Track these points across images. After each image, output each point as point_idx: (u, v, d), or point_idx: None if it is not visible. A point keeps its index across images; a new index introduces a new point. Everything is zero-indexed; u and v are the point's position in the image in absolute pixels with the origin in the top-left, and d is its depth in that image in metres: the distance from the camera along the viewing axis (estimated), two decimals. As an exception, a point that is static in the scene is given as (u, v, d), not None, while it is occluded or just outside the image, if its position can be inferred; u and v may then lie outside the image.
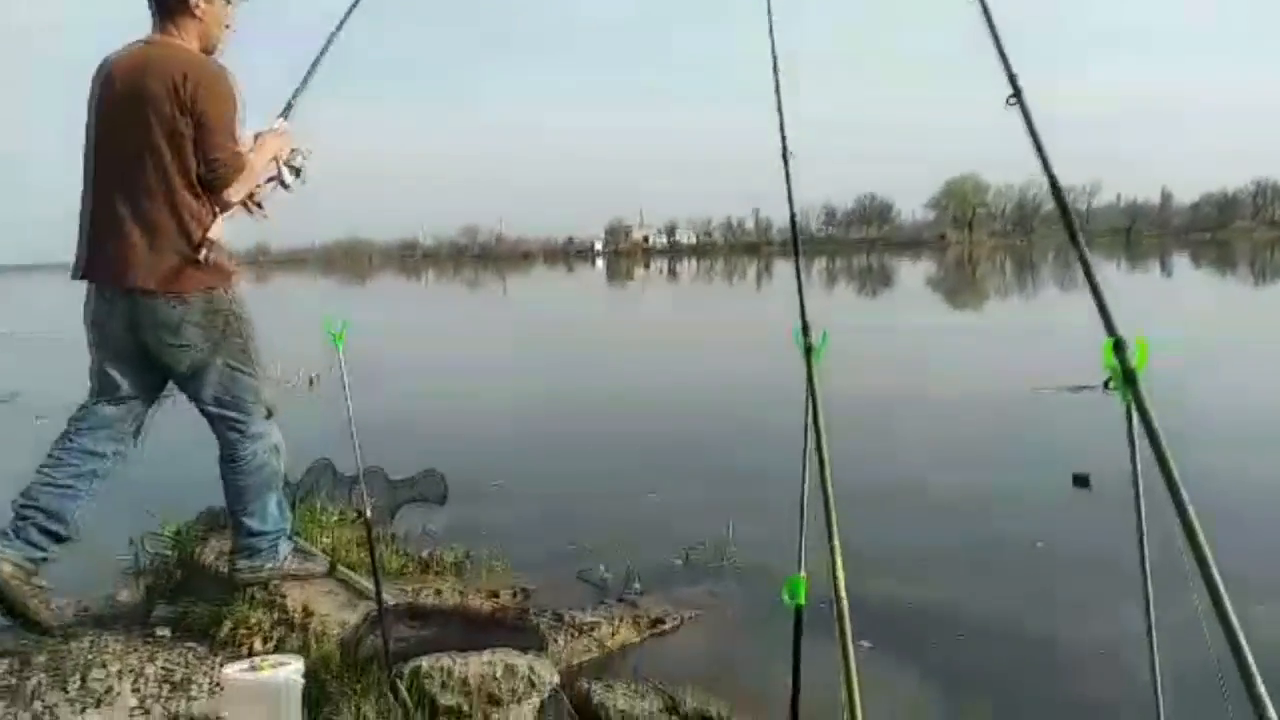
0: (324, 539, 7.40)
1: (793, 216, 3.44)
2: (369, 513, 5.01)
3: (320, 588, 6.21)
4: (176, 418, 15.29)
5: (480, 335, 26.40)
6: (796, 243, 3.24)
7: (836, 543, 2.74)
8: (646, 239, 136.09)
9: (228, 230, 5.20)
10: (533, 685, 4.82)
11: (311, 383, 16.71)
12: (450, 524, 8.68)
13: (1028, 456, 10.93)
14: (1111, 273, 53.53)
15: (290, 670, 4.35)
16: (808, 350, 3.15)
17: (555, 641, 5.67)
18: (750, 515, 8.36)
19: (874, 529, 7.47)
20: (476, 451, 11.43)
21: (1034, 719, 5.24)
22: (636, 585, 6.84)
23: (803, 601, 3.14)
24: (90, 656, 5.42)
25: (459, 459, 10.13)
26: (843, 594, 2.66)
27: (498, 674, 4.74)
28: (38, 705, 4.74)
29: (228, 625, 5.65)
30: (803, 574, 3.13)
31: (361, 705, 4.50)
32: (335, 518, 8.34)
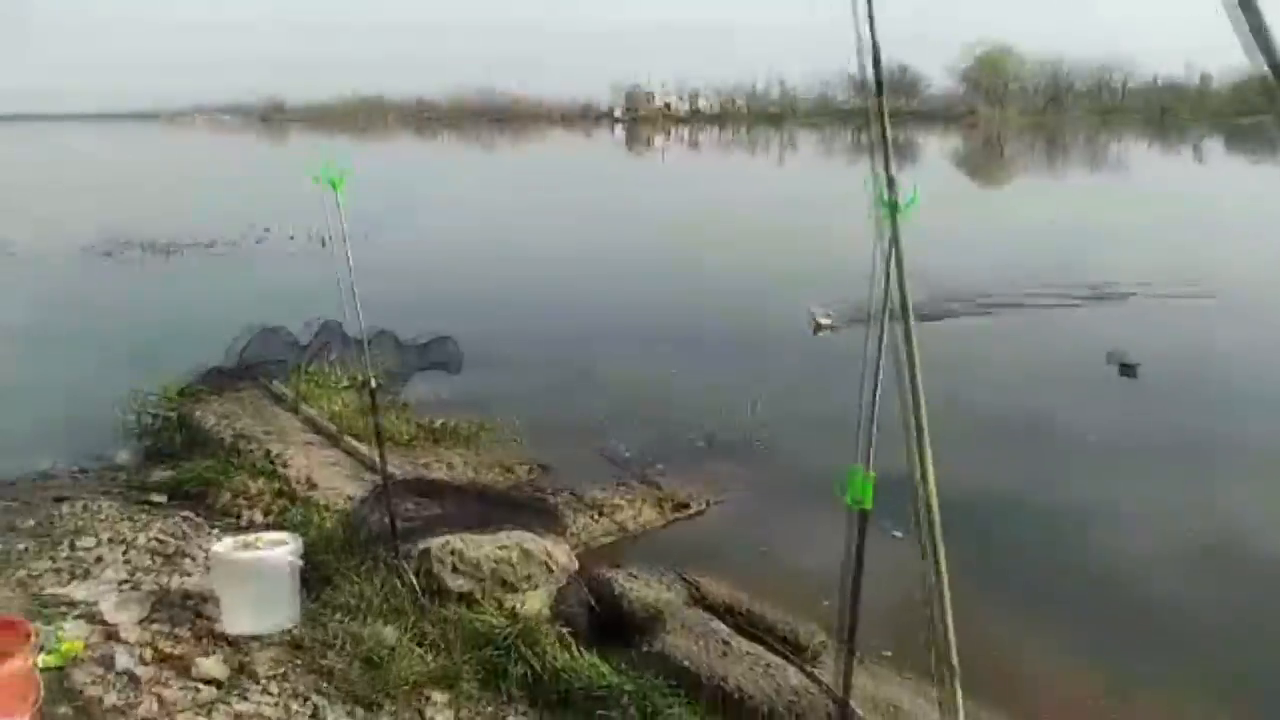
0: (332, 405, 7.04)
1: (876, 55, 2.83)
2: (372, 380, 4.56)
3: (325, 458, 5.86)
4: (173, 274, 14.90)
5: (496, 200, 25.60)
6: (880, 84, 2.66)
7: (923, 439, 2.27)
8: (668, 105, 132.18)
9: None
10: (549, 571, 4.48)
11: (324, 243, 16.14)
12: (463, 393, 8.26)
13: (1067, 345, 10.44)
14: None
15: (286, 550, 4.00)
16: (892, 207, 2.62)
17: (573, 523, 5.33)
18: (780, 397, 7.95)
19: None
20: (492, 319, 10.97)
21: (1075, 604, 4.93)
22: (659, 465, 6.47)
23: (870, 505, 2.69)
24: (81, 523, 5.11)
25: (474, 326, 9.67)
26: (933, 500, 2.21)
27: (512, 558, 4.39)
28: (22, 573, 4.44)
29: (226, 494, 5.33)
30: (870, 471, 2.67)
31: (365, 588, 4.16)
32: (344, 383, 7.97)
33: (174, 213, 19.89)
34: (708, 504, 5.91)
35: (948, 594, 2.15)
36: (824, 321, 9.23)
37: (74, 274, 14.12)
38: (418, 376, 8.65)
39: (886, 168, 2.68)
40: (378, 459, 4.74)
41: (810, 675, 3.71)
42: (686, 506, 5.85)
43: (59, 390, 8.46)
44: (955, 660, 2.20)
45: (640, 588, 4.53)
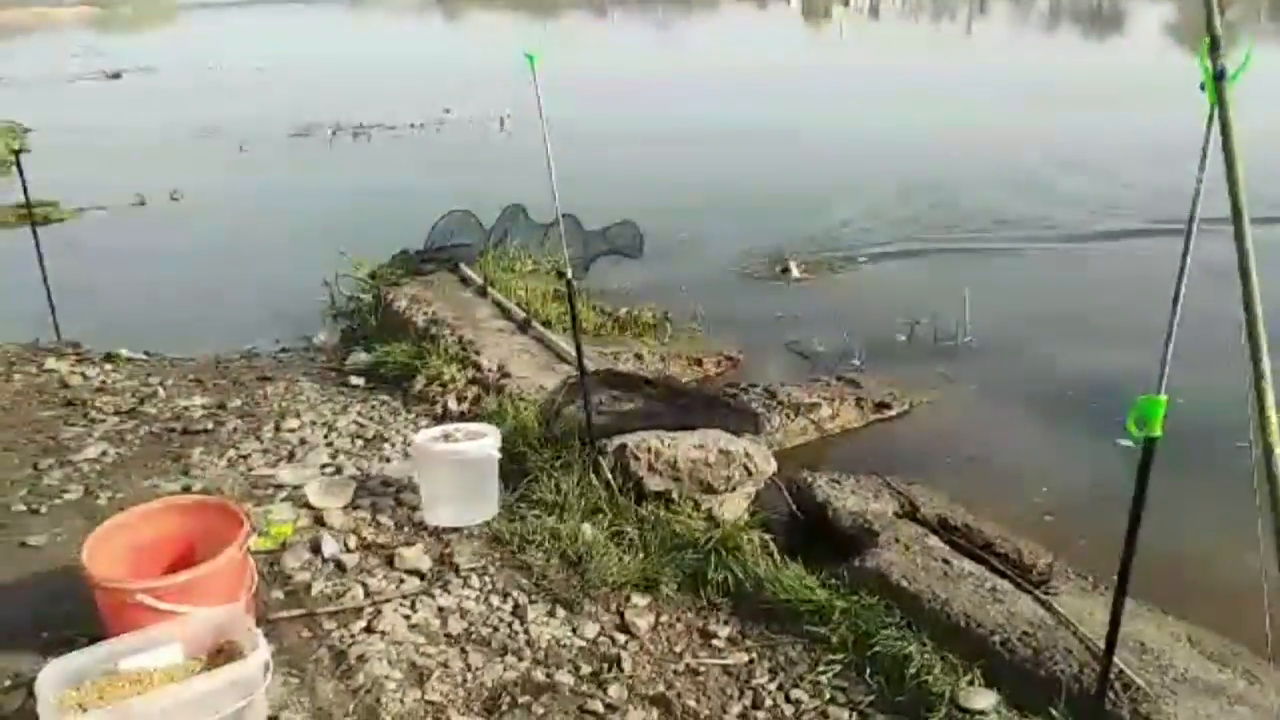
0: (518, 290, 6.96)
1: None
2: (569, 271, 4.35)
3: (515, 345, 5.77)
4: (363, 157, 15.11)
5: (672, 79, 24.86)
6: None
7: (1262, 370, 1.83)
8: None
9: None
10: (749, 473, 4.25)
11: (502, 124, 16.12)
12: (646, 279, 8.06)
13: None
14: None
15: (487, 443, 3.91)
16: (1218, 77, 2.11)
17: (769, 421, 5.05)
18: (992, 290, 7.33)
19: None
20: (673, 202, 10.61)
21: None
22: (856, 361, 6.09)
23: (1159, 432, 2.27)
24: (285, 404, 5.23)
25: (655, 209, 9.39)
26: (1274, 429, 1.78)
27: (710, 459, 4.17)
28: (232, 453, 4.57)
29: (421, 380, 5.32)
30: (1163, 395, 2.24)
31: (562, 483, 4.05)
32: (529, 267, 7.89)
33: (362, 95, 20.25)
34: (910, 405, 5.51)
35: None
36: (797, 274, 8.03)
37: (273, 156, 14.61)
38: (601, 261, 8.51)
39: (1210, 26, 2.16)
40: (572, 350, 4.58)
41: (1047, 605, 3.35)
42: (888, 407, 5.47)
43: (260, 270, 8.78)
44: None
45: (845, 495, 4.24)
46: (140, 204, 11.32)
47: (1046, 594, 3.58)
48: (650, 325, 6.80)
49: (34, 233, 6.84)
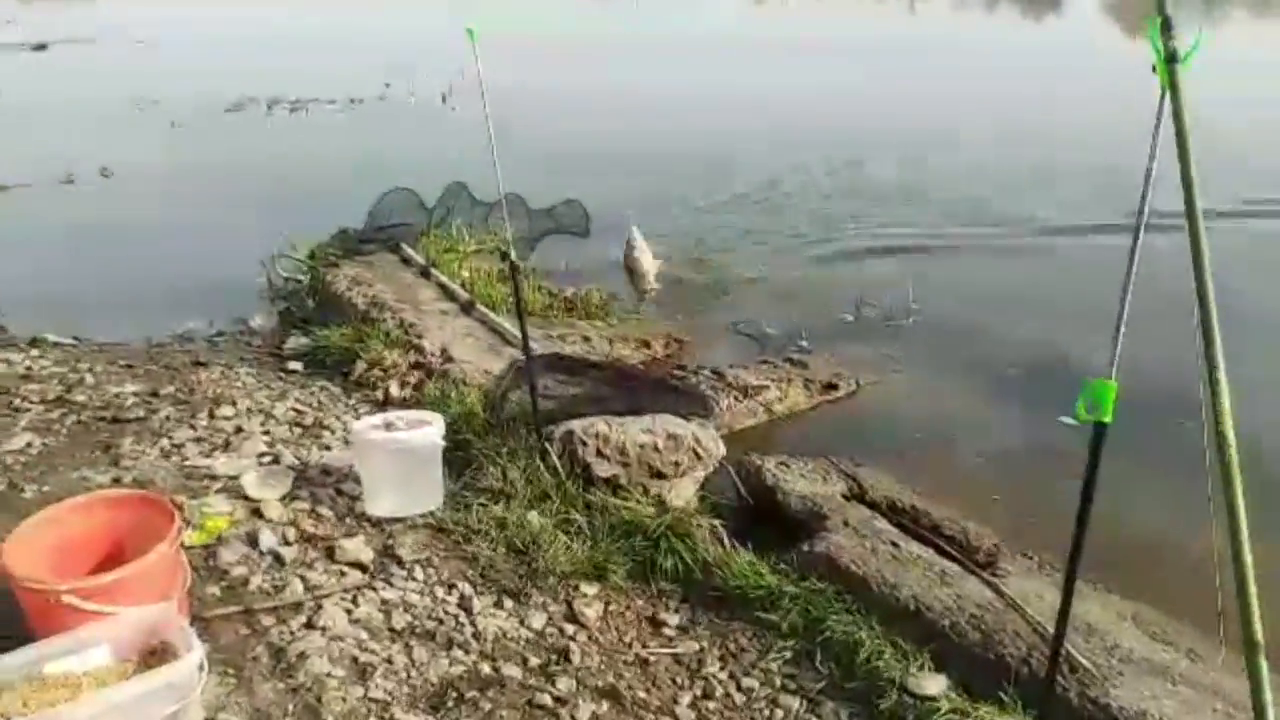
0: (462, 271, 6.83)
1: None
2: (512, 252, 4.25)
3: (459, 328, 5.66)
4: (300, 132, 14.67)
5: (612, 51, 24.62)
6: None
7: (1215, 357, 1.83)
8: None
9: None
10: (698, 457, 4.21)
11: (444, 98, 15.80)
12: (591, 260, 7.94)
13: None
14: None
15: (430, 431, 3.82)
16: (1169, 60, 2.09)
17: (717, 404, 5.01)
18: (935, 266, 7.38)
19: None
20: (615, 179, 10.50)
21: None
22: (803, 342, 6.08)
23: (1109, 418, 2.27)
24: (220, 390, 5.06)
25: (599, 188, 9.25)
26: (1228, 426, 1.78)
27: (659, 444, 4.12)
28: (165, 443, 4.40)
29: (361, 365, 5.19)
30: (1113, 380, 2.24)
31: (508, 470, 3.97)
32: (473, 247, 7.74)
33: (298, 68, 19.71)
34: (858, 386, 5.52)
35: (1248, 551, 1.73)
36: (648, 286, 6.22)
37: (207, 131, 14.16)
38: (547, 240, 8.38)
39: (1160, 5, 2.14)
40: (518, 333, 4.49)
41: (995, 588, 3.36)
42: (835, 388, 5.48)
43: (194, 250, 8.50)
44: (1260, 632, 1.81)
45: (794, 479, 4.23)
46: (68, 181, 10.90)
47: (994, 576, 3.61)
48: (598, 307, 6.72)
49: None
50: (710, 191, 10.16)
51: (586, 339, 5.85)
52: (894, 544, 3.69)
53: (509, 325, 5.70)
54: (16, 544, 2.91)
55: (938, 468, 4.64)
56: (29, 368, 5.42)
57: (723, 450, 4.33)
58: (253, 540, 3.58)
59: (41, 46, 28.01)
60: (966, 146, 12.30)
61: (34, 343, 5.92)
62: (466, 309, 5.95)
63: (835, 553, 3.55)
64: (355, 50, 24.12)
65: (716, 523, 3.87)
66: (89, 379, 5.16)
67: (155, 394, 4.98)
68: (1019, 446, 4.94)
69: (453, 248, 7.46)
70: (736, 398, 5.21)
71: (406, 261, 6.93)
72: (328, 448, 4.41)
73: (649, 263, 5.97)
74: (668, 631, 3.37)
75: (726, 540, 3.77)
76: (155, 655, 2.76)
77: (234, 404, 4.83)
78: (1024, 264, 8.00)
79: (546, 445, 4.05)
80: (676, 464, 4.14)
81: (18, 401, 4.85)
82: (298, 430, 4.60)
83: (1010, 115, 14.76)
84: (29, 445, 4.35)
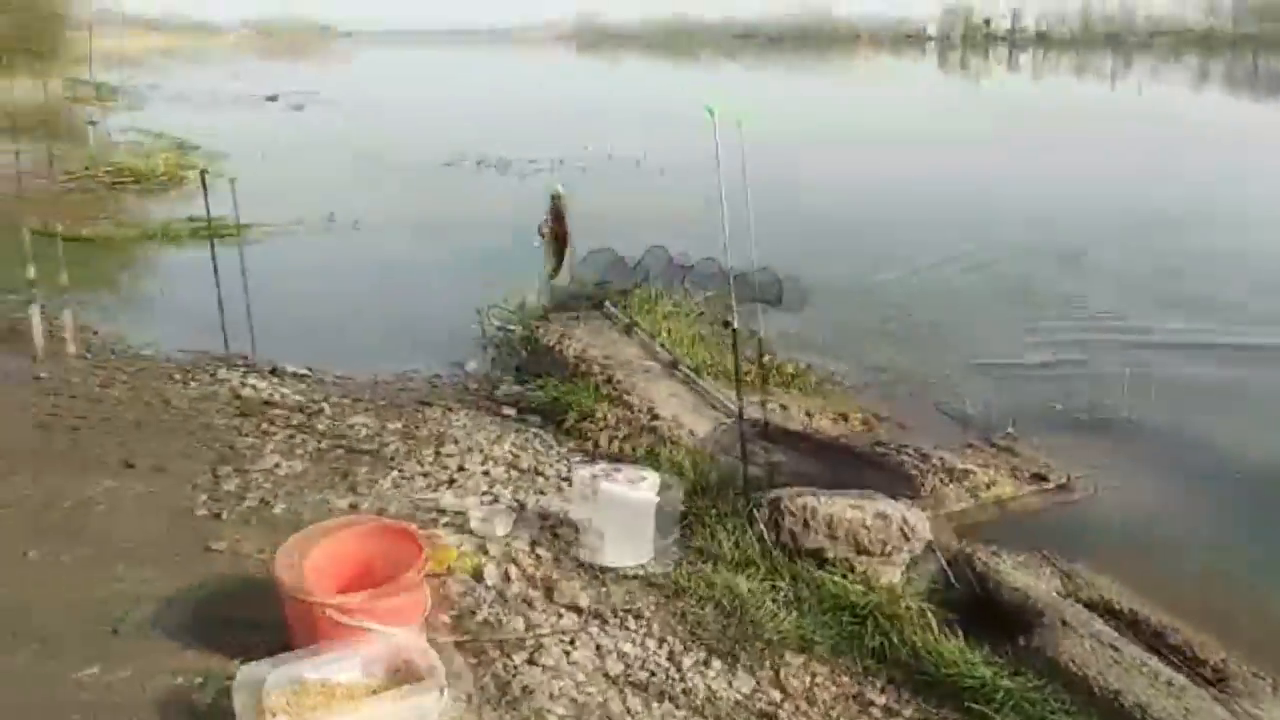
0: (662, 331, 7.04)
1: None
2: (734, 320, 4.39)
3: (663, 387, 5.84)
4: (514, 187, 15.42)
5: (801, 126, 24.85)
6: None
7: None
8: (988, 22, 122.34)
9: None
10: (905, 538, 4.18)
11: (639, 162, 16.41)
12: (784, 328, 8.01)
13: None
14: None
15: (646, 485, 3.96)
16: None
17: (923, 485, 4.96)
18: (1155, 360, 7.06)
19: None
20: (811, 249, 10.58)
21: None
22: (1010, 429, 5.92)
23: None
24: (442, 429, 5.39)
25: (793, 257, 9.35)
26: None
27: (867, 521, 4.13)
28: (395, 474, 4.73)
29: (573, 415, 5.43)
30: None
31: (716, 531, 4.06)
32: (670, 307, 7.97)
33: (506, 129, 20.91)
34: (1069, 478, 5.33)
35: None
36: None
37: (424, 184, 15.19)
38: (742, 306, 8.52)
39: None
40: (720, 396, 4.61)
41: (1229, 706, 3.19)
42: (1044, 479, 5.30)
43: (411, 295, 9.10)
44: None
45: (1006, 569, 4.14)
46: (297, 225, 11.89)
47: (1224, 693, 3.41)
48: (794, 376, 6.77)
49: (211, 249, 7.27)
50: (913, 267, 10.08)
51: (784, 408, 5.90)
52: (1114, 647, 3.56)
53: (710, 387, 5.85)
54: (284, 556, 3.20)
55: (1157, 572, 4.41)
56: (272, 395, 5.94)
57: (930, 533, 4.28)
58: (478, 574, 3.79)
59: (272, 98, 30.78)
60: (1197, 230, 11.75)
61: (274, 371, 6.48)
62: (669, 369, 6.12)
63: (1055, 650, 3.45)
64: (558, 113, 25.36)
65: (926, 606, 3.81)
66: (326, 409, 5.61)
67: (385, 427, 5.36)
68: (1247, 558, 4.65)
69: (652, 308, 7.70)
70: (942, 480, 5.12)
71: (611, 319, 7.20)
72: (542, 492, 4.62)
73: None
74: (875, 711, 3.34)
75: (935, 625, 3.72)
76: (399, 674, 2.96)
77: (456, 443, 5.14)
78: (1256, 366, 7.53)
79: (755, 511, 4.12)
80: (884, 542, 4.13)
81: (265, 425, 5.33)
82: (514, 473, 4.84)
83: (1245, 199, 14.01)
84: (276, 466, 4.76)
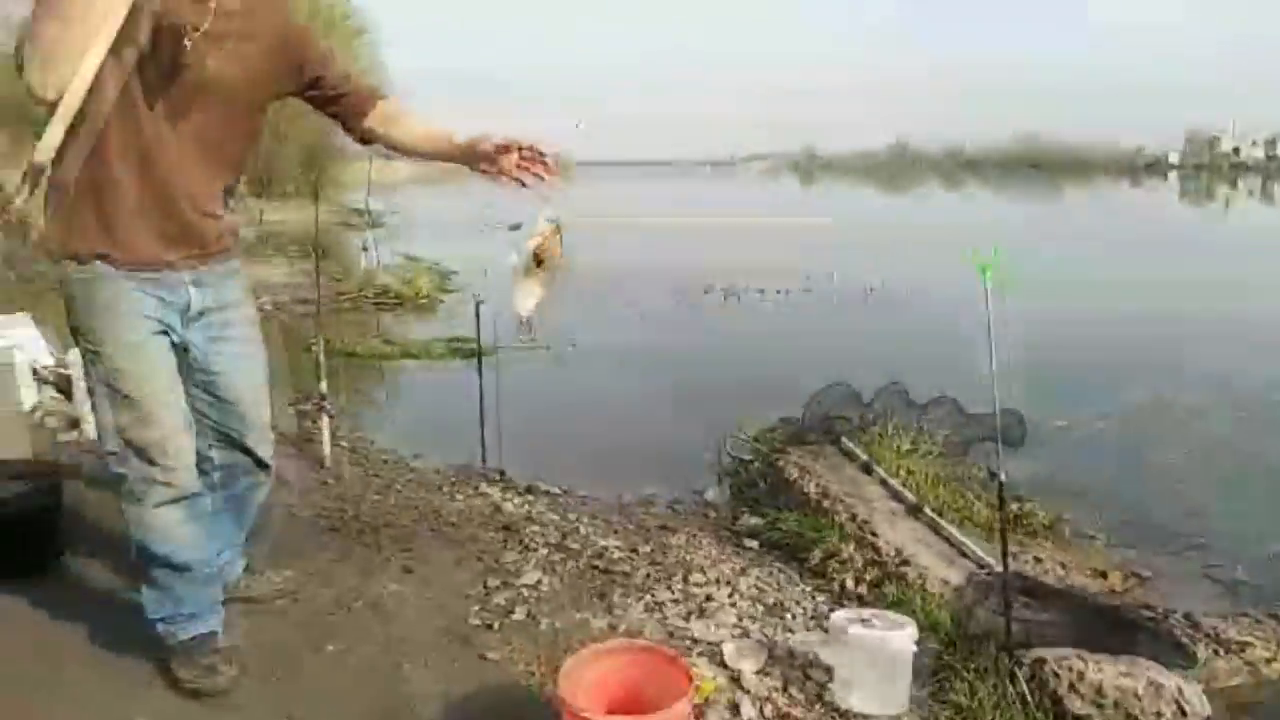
0: (901, 470, 7.01)
1: None
2: (1002, 475, 4.36)
3: (908, 530, 5.80)
4: (741, 316, 15.82)
5: (1041, 255, 24.20)
6: None
7: None
8: (1237, 151, 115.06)
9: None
10: (1182, 713, 3.93)
11: (866, 296, 16.48)
12: (1030, 473, 7.74)
13: None
14: None
15: (905, 634, 3.94)
16: None
17: (1193, 655, 4.64)
18: None
19: None
20: (1056, 391, 10.23)
21: None
22: (1291, 599, 5.47)
23: None
24: (688, 557, 5.57)
25: (1036, 398, 9.07)
26: None
27: (1139, 689, 3.92)
28: (648, 599, 4.92)
29: (818, 554, 5.48)
30: None
31: (976, 687, 3.97)
32: (907, 446, 7.91)
33: (730, 257, 21.59)
34: (1366, 662, 4.84)
35: None
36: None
37: (655, 311, 15.89)
38: (979, 446, 8.35)
39: None
40: (969, 543, 4.54)
41: None
42: (1336, 660, 4.84)
43: (648, 420, 9.50)
44: None
45: (1302, 760, 3.80)
46: (544, 348, 12.68)
47: None
48: (1044, 526, 6.55)
49: (480, 366, 7.94)
50: (1172, 417, 9.54)
51: (1038, 560, 5.71)
52: None
53: (956, 533, 5.75)
54: (567, 674, 3.43)
55: None
56: (529, 512, 6.33)
57: (1208, 709, 4.01)
58: (734, 708, 3.88)
59: (515, 227, 33.05)
60: None
61: (529, 489, 6.91)
62: (913, 511, 6.08)
63: None
64: (778, 242, 25.90)
65: (1210, 792, 3.56)
66: (581, 530, 5.93)
67: (635, 551, 5.60)
68: None
69: (890, 445, 7.68)
70: (1216, 651, 4.78)
71: (848, 455, 7.24)
72: (790, 630, 4.67)
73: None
74: None
75: (1222, 814, 3.46)
76: (669, 801, 3.08)
77: (702, 572, 5.29)
78: None
79: (1016, 670, 4.01)
80: (1158, 715, 3.90)
81: (526, 540, 5.68)
82: (760, 607, 4.92)
83: None
84: (539, 582, 5.06)
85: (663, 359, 12.39)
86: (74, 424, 7.22)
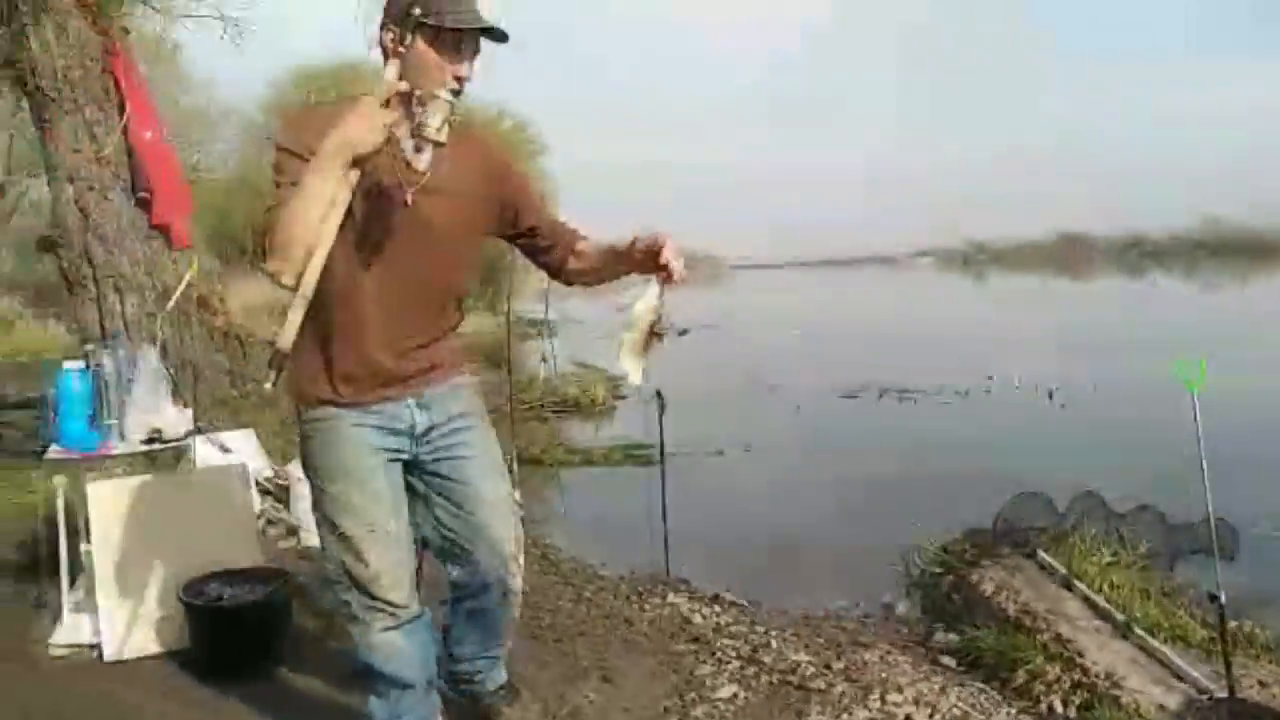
0: (1103, 585, 6.70)
1: None
2: (1222, 595, 4.19)
3: (1116, 650, 5.54)
4: (918, 420, 15.61)
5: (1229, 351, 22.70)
6: None
7: None
8: None
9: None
10: None
11: (1051, 395, 15.91)
12: (1245, 586, 7.24)
13: None
14: None
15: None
16: None
17: None
18: None
19: None
20: (1269, 494, 9.54)
21: None
22: None
23: None
24: (884, 675, 5.49)
25: (1246, 506, 8.55)
26: None
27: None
28: (846, 716, 4.89)
29: (1022, 674, 5.30)
30: None
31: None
32: (1108, 558, 7.55)
33: (903, 357, 21.31)
34: None
35: None
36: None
37: (826, 415, 15.84)
38: (1186, 559, 7.91)
39: None
40: (1185, 665, 4.32)
41: None
42: None
43: (826, 526, 9.44)
44: None
45: None
46: (717, 454, 12.85)
47: None
48: (1262, 645, 6.10)
49: (662, 473, 8.15)
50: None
51: (1263, 685, 5.33)
52: None
53: (1171, 653, 5.46)
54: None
55: None
56: (718, 623, 6.40)
57: None
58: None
59: (683, 332, 33.65)
60: None
61: (715, 598, 6.99)
62: (1121, 630, 5.81)
63: None
64: (957, 340, 25.38)
65: None
66: (772, 643, 5.94)
67: (828, 666, 5.57)
68: None
69: (1089, 558, 7.36)
70: None
71: (1045, 569, 6.99)
72: (997, 755, 4.55)
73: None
74: None
75: None
76: None
77: (900, 690, 5.20)
78: None
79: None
80: None
81: (718, 653, 5.75)
82: (967, 731, 4.81)
83: None
84: (734, 696, 5.11)
85: (837, 462, 12.31)
86: (292, 531, 7.82)
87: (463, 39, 3.01)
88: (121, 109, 9.59)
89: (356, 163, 2.87)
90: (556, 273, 3.68)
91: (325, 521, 3.42)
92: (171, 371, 6.24)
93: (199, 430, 6.25)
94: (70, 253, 9.64)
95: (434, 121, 2.90)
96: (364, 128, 2.82)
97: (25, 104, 10.16)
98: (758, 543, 8.99)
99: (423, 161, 3.14)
